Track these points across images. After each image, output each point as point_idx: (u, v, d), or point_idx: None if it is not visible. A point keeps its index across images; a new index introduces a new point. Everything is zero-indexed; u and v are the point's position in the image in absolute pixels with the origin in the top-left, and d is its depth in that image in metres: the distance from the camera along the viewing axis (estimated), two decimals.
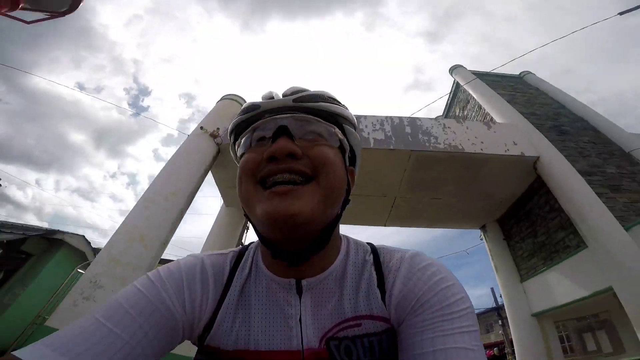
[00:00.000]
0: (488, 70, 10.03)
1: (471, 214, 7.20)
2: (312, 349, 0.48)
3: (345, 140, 0.54)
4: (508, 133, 6.01)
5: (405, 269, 0.50)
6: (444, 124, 5.93)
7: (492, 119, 7.43)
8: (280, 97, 0.52)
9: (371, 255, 0.55)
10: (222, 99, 6.61)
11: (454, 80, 10.11)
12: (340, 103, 0.55)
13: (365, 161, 5.20)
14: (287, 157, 0.45)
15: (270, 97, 0.52)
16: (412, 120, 5.90)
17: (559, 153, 5.68)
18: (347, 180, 0.52)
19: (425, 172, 5.60)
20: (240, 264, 0.55)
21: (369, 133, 5.42)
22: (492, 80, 9.38)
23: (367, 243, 0.59)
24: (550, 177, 5.42)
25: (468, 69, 9.89)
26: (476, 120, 8.45)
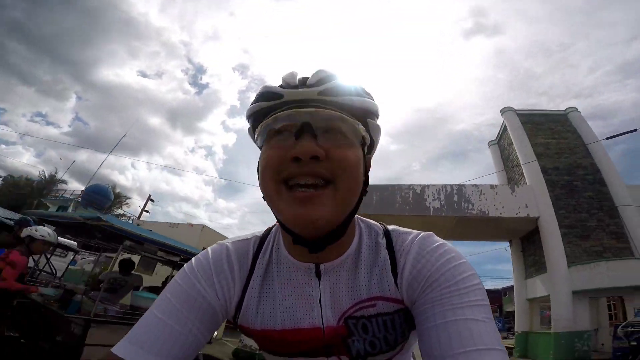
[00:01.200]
0: (535, 110, 12.55)
1: (500, 235, 11.19)
2: (331, 326, 0.53)
3: (367, 134, 0.52)
4: (525, 196, 9.59)
5: (415, 251, 0.52)
6: (481, 191, 9.68)
7: (522, 175, 10.79)
8: (304, 84, 0.50)
9: (384, 238, 0.57)
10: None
11: (503, 121, 12.84)
12: (367, 94, 0.53)
13: (424, 220, 9.50)
14: (310, 160, 0.45)
15: (293, 85, 0.50)
16: (459, 189, 9.74)
17: (554, 215, 9.20)
18: (364, 174, 0.52)
19: (464, 226, 9.71)
20: (263, 249, 0.59)
21: (429, 202, 9.52)
22: (537, 122, 12.02)
23: (381, 224, 0.62)
24: (542, 229, 9.15)
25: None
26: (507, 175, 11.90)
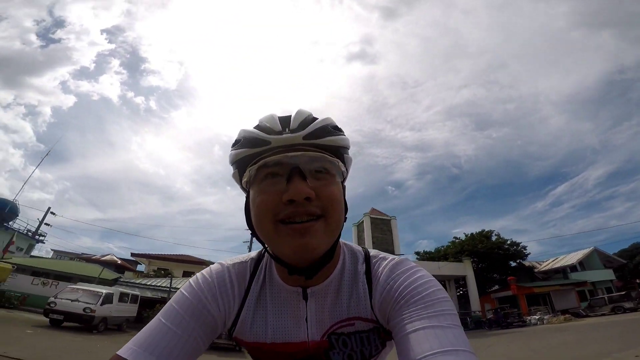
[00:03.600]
0: (377, 216, 23.72)
1: None
2: (315, 341, 0.61)
3: (345, 169, 0.59)
4: None
5: (385, 275, 0.59)
6: None
7: None
8: (288, 128, 0.55)
9: (364, 265, 0.64)
10: None
11: (363, 217, 23.54)
12: (340, 131, 0.60)
13: None
14: (304, 200, 0.51)
15: (278, 130, 0.55)
16: None
17: None
18: (344, 201, 0.59)
19: None
20: (257, 272, 0.66)
21: None
22: (376, 223, 23.04)
23: (363, 249, 0.68)
24: None
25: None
26: None
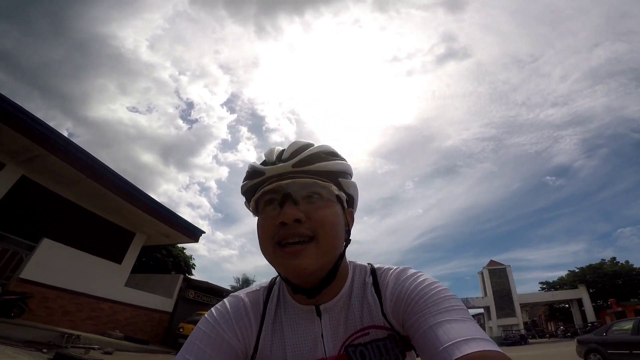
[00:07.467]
0: (492, 267, 36.64)
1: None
2: (333, 356, 0.62)
3: (341, 192, 0.62)
4: (482, 302, 33.46)
5: (392, 283, 0.63)
6: (473, 300, 33.62)
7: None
8: (281, 158, 0.61)
9: (370, 277, 0.67)
10: None
11: (482, 269, 37.03)
12: (336, 156, 0.64)
13: None
14: (294, 222, 0.55)
15: (272, 161, 0.61)
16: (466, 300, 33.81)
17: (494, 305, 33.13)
18: (345, 224, 0.63)
19: None
20: (270, 297, 0.69)
21: None
22: (492, 272, 36.12)
23: (368, 264, 0.72)
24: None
25: None
26: None
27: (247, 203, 0.67)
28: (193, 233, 12.58)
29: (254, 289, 0.73)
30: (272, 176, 0.60)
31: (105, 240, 9.99)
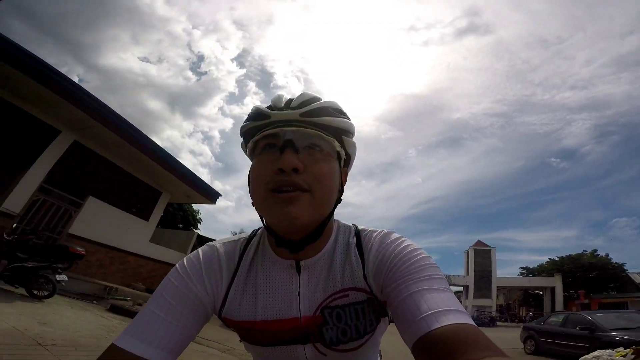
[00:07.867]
0: (478, 247, 38.65)
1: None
2: (308, 316, 0.60)
3: (342, 150, 0.61)
4: (465, 279, 35.94)
5: (376, 245, 0.62)
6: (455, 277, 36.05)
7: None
8: (289, 106, 0.58)
9: (354, 238, 0.65)
10: None
11: (469, 249, 39.06)
12: (343, 114, 0.62)
13: None
14: (292, 171, 0.52)
15: (279, 107, 0.58)
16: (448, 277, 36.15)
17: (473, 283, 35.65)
18: (339, 183, 0.61)
19: None
20: (248, 248, 0.66)
21: None
22: (477, 252, 38.19)
23: (353, 224, 0.70)
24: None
25: None
26: None
27: (245, 145, 0.63)
28: (211, 195, 13.15)
29: (233, 239, 0.69)
30: (277, 121, 0.58)
31: (136, 199, 10.50)
